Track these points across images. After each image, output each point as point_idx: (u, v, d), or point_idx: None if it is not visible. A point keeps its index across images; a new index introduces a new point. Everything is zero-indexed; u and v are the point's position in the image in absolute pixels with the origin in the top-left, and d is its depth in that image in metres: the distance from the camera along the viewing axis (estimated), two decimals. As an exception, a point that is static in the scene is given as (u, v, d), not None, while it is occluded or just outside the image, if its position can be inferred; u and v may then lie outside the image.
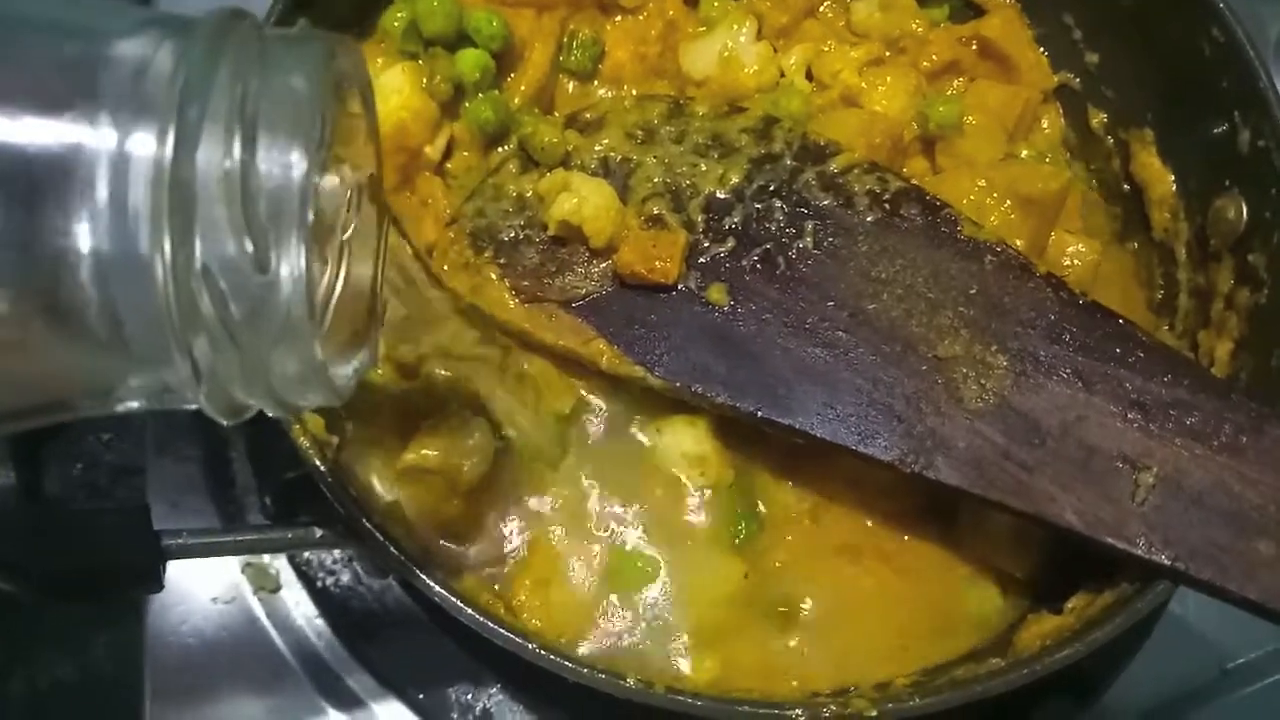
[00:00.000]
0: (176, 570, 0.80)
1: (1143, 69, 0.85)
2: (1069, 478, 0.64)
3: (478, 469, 0.67)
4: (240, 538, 0.64)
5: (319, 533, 0.63)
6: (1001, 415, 0.66)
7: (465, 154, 0.81)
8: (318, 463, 0.62)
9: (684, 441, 0.72)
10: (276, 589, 0.84)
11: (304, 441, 0.62)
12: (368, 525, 0.61)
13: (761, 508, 0.73)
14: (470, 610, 0.60)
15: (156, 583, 0.60)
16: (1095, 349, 0.67)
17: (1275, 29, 1.09)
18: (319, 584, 0.83)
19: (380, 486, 0.67)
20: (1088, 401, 0.65)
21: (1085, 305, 0.69)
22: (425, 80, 0.79)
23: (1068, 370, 0.67)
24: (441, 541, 0.68)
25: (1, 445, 0.57)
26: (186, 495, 0.85)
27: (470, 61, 0.79)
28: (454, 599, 0.60)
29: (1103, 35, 0.88)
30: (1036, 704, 0.79)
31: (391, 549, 0.61)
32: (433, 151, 0.79)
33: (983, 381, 0.67)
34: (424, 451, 0.66)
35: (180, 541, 0.61)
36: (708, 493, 0.73)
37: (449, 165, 0.81)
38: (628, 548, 0.71)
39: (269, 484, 0.85)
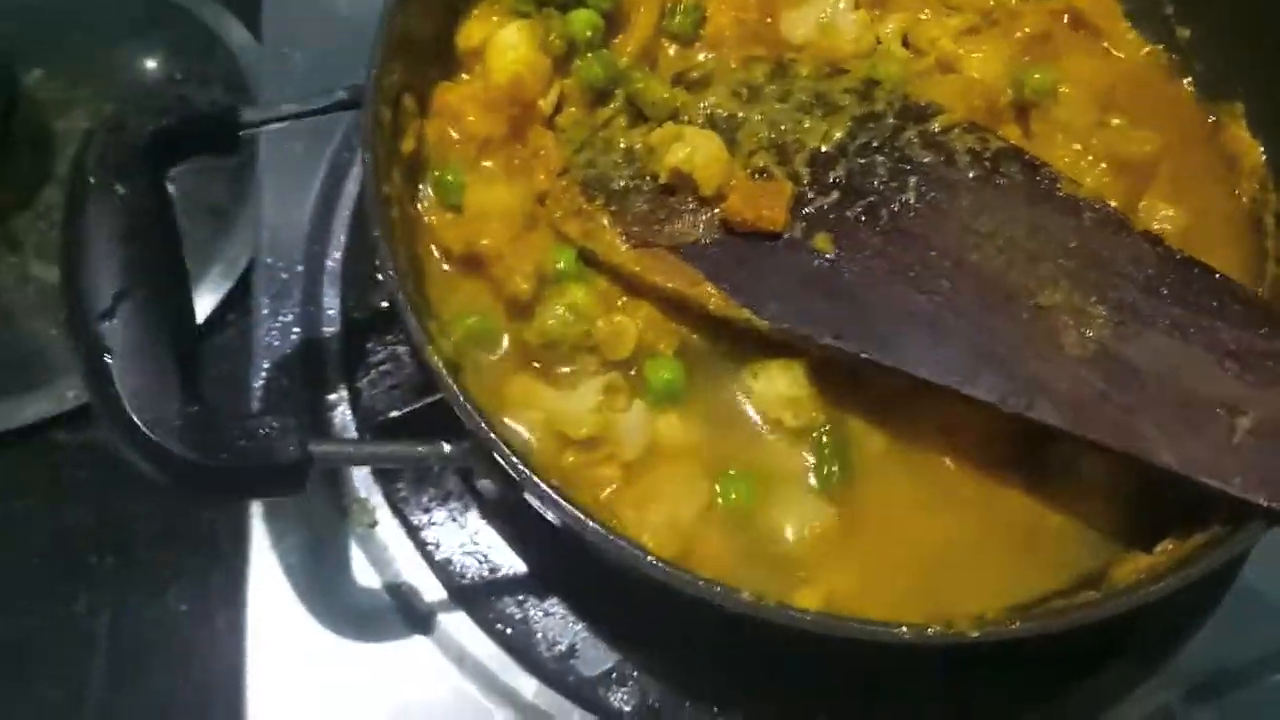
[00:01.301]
0: (272, 508, 0.86)
1: (1234, 43, 0.87)
2: (1167, 420, 0.66)
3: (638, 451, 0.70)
4: (379, 449, 0.67)
5: (448, 448, 0.66)
6: (1101, 361, 0.68)
7: (573, 109, 0.85)
8: (452, 383, 0.65)
9: (780, 384, 0.75)
10: (373, 524, 0.87)
11: (437, 360, 0.65)
12: (497, 440, 0.64)
13: (854, 453, 0.75)
14: (595, 525, 0.62)
15: (301, 485, 0.64)
16: (1193, 301, 0.69)
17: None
18: (414, 520, 0.87)
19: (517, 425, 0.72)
20: (1186, 351, 0.68)
21: (1182, 260, 0.71)
22: (540, 37, 0.82)
23: (1166, 321, 0.69)
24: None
25: (165, 349, 0.61)
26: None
27: (582, 20, 0.83)
28: (579, 514, 0.63)
29: (1194, 10, 0.90)
30: (1103, 666, 0.81)
31: (520, 464, 0.64)
32: (546, 105, 0.83)
33: (1083, 330, 0.69)
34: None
35: (325, 449, 0.65)
36: (801, 434, 0.75)
37: (558, 119, 0.85)
38: (726, 483, 0.74)
39: (367, 427, 0.88)
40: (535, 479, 0.64)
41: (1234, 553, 0.64)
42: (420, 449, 0.67)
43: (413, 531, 0.87)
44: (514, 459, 0.64)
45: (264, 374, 0.92)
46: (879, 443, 0.76)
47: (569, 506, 0.63)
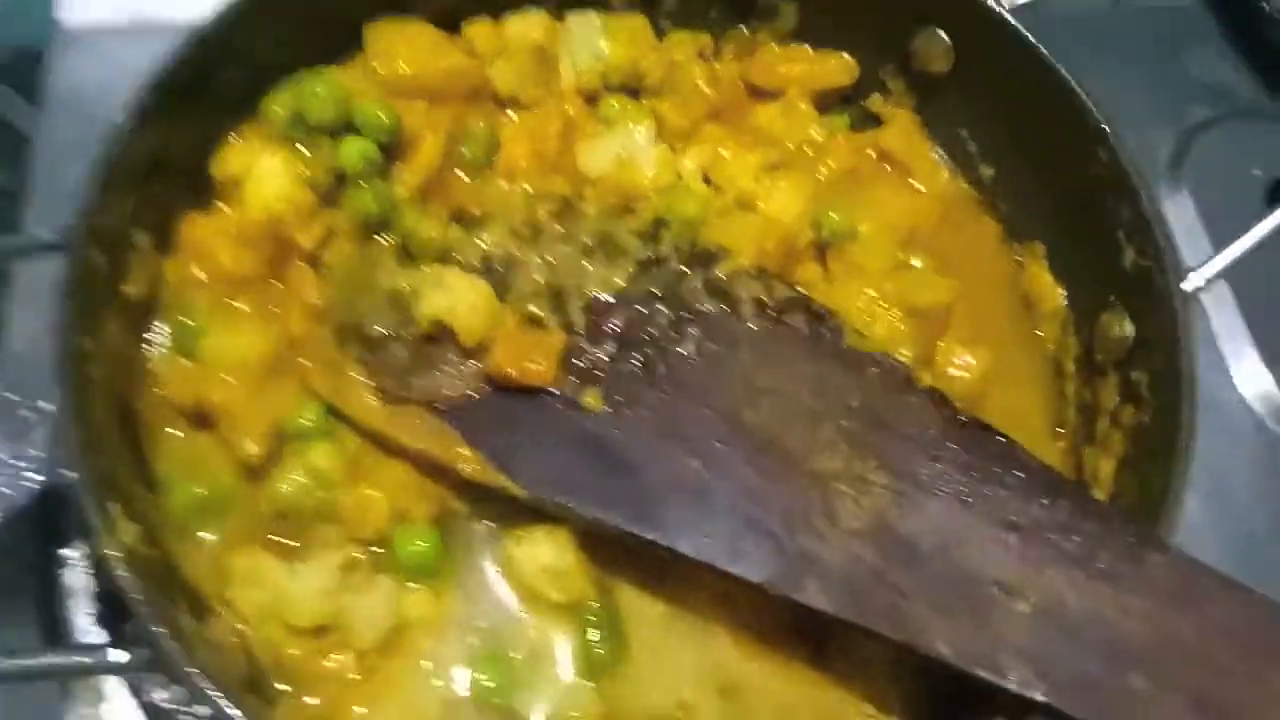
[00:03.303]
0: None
1: (1034, 185, 0.86)
2: (943, 604, 0.61)
3: (377, 637, 0.63)
4: (30, 662, 0.56)
5: (123, 657, 0.56)
6: (878, 535, 0.63)
7: (344, 244, 0.78)
8: (124, 575, 0.56)
9: (543, 553, 0.68)
10: (100, 703, 0.75)
11: (112, 553, 0.56)
12: (175, 651, 0.55)
13: (624, 628, 0.68)
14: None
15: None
16: (975, 467, 0.65)
17: (1165, 150, 1.13)
18: (146, 697, 0.75)
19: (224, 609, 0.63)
20: (966, 523, 0.63)
21: (967, 421, 0.68)
22: (304, 168, 0.76)
23: (947, 489, 0.65)
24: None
25: None
26: (14, 602, 0.78)
27: (354, 151, 0.77)
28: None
29: (998, 151, 0.89)
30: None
31: (204, 683, 0.55)
32: (306, 240, 0.76)
33: (860, 500, 0.64)
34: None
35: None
36: (566, 610, 0.68)
37: (325, 256, 0.78)
38: (478, 668, 0.66)
39: (104, 591, 0.77)
40: (222, 703, 0.55)
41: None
42: (86, 659, 0.56)
43: (148, 710, 0.75)
44: (203, 683, 0.55)
45: None
46: (653, 615, 0.69)
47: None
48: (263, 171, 0.75)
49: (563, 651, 0.67)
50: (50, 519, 0.81)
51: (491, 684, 0.65)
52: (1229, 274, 0.94)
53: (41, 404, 0.85)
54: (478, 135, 0.84)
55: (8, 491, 0.82)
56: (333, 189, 0.77)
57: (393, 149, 0.80)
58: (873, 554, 0.62)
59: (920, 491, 0.65)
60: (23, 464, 0.83)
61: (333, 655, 0.64)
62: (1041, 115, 0.83)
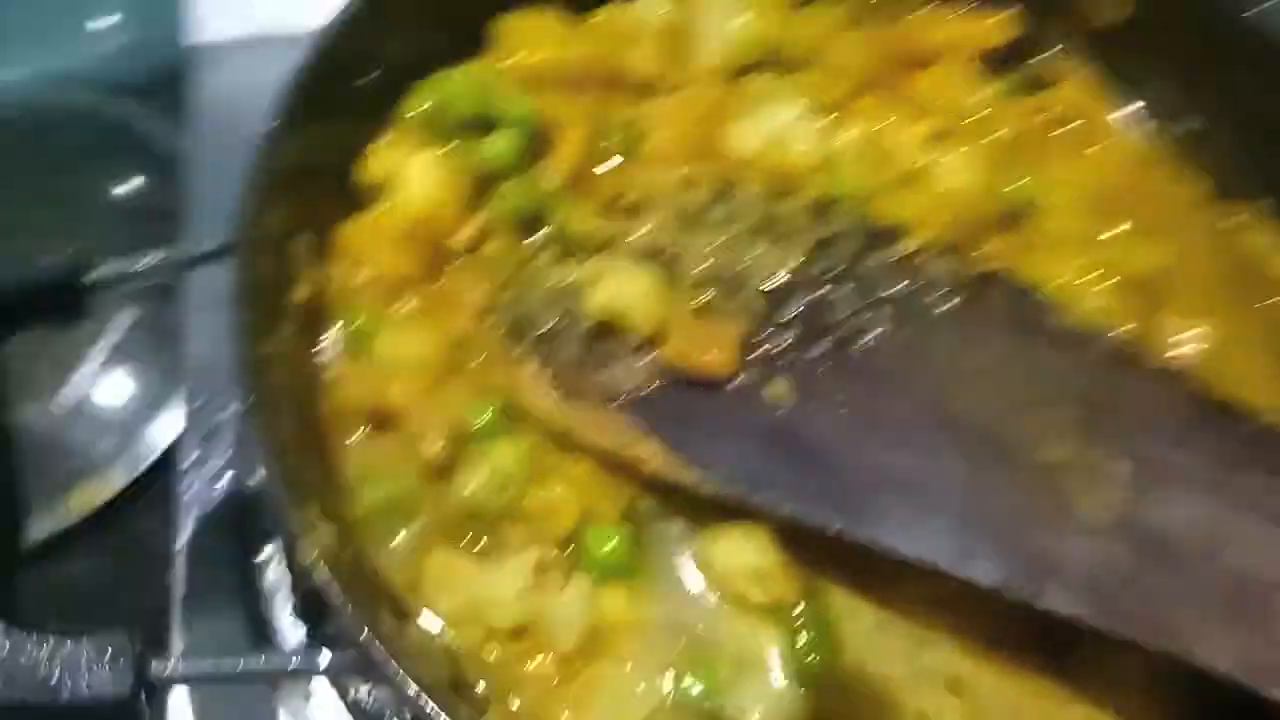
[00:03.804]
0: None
1: (1245, 138, 0.77)
2: (1218, 610, 0.52)
3: (576, 638, 0.60)
4: (239, 667, 0.56)
5: (327, 658, 0.55)
6: (1125, 532, 0.55)
7: (500, 241, 0.75)
8: (327, 577, 0.54)
9: (743, 553, 0.63)
10: (308, 698, 0.75)
11: (314, 554, 0.55)
12: (382, 653, 0.53)
13: (836, 633, 0.63)
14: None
15: (135, 716, 0.52)
16: (1230, 454, 0.57)
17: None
18: (350, 695, 0.74)
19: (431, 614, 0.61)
20: (1229, 518, 0.55)
21: (1213, 403, 0.59)
22: (451, 167, 0.74)
23: (1200, 480, 0.56)
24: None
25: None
26: (217, 602, 0.80)
27: (498, 147, 0.75)
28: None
29: (1198, 101, 0.80)
30: None
31: (409, 682, 0.53)
32: (460, 240, 0.73)
33: (1099, 493, 0.56)
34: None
35: (168, 672, 0.53)
36: (772, 613, 0.63)
37: (484, 252, 0.75)
38: (682, 673, 0.62)
39: (300, 590, 0.78)
40: (432, 705, 0.53)
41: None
42: (293, 661, 0.55)
43: (352, 707, 0.75)
44: (412, 685, 0.52)
45: (189, 529, 0.83)
46: (866, 620, 0.63)
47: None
48: (410, 173, 0.74)
49: (771, 655, 0.62)
50: (244, 520, 0.83)
51: (698, 688, 0.61)
52: None
53: (227, 409, 0.87)
54: (620, 124, 0.80)
55: (202, 494, 0.84)
56: (481, 186, 0.75)
57: (538, 143, 0.77)
58: (1123, 553, 0.55)
59: (1167, 483, 0.57)
60: (214, 466, 0.85)
61: (534, 658, 0.61)
62: (1250, 51, 0.73)
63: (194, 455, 0.86)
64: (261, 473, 0.80)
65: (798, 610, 0.62)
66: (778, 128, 0.79)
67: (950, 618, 0.62)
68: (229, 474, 0.85)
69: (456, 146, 0.74)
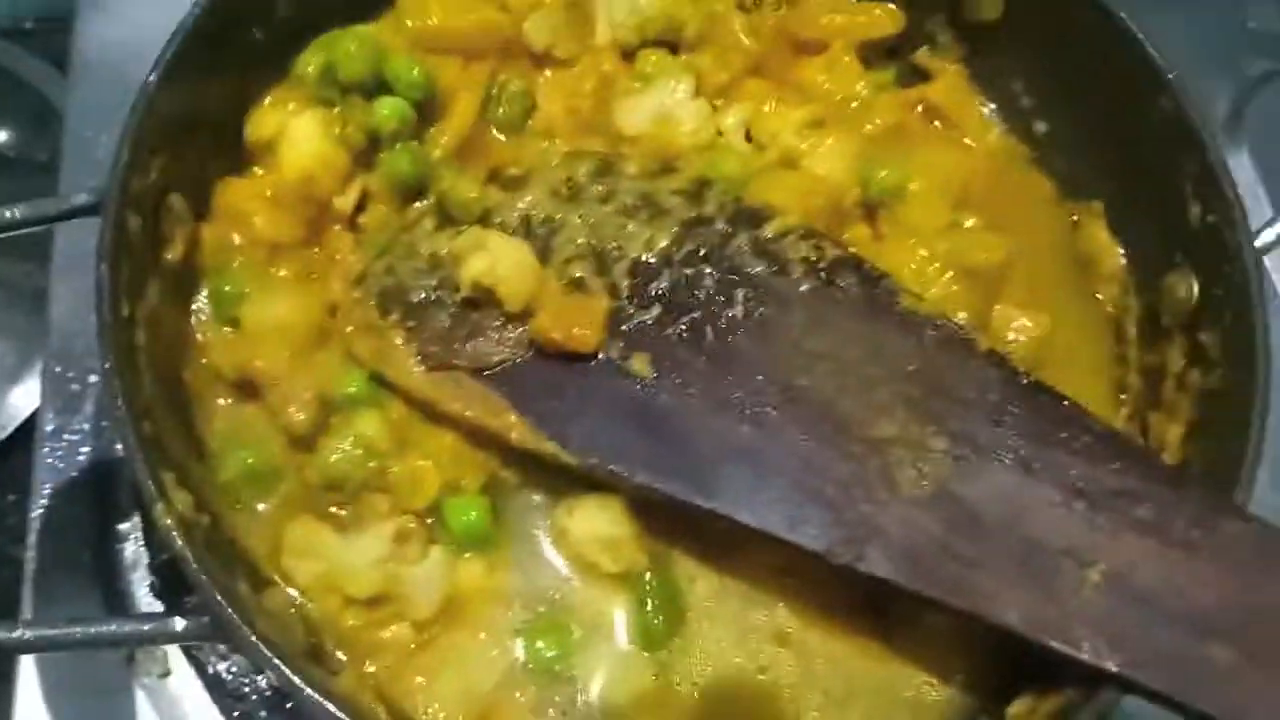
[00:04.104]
0: (46, 657, 0.75)
1: (1091, 140, 0.83)
2: (1011, 573, 0.59)
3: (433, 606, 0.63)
4: (92, 630, 0.56)
5: (182, 624, 0.56)
6: (940, 503, 0.61)
7: (381, 207, 0.76)
8: (181, 544, 0.55)
9: (597, 523, 0.66)
10: (165, 674, 0.76)
11: (168, 521, 0.56)
12: (235, 619, 0.54)
13: (682, 599, 0.67)
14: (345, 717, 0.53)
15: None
16: (1039, 433, 0.63)
17: (1223, 106, 1.09)
18: (210, 669, 0.76)
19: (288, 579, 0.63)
20: (1032, 489, 0.61)
21: (1028, 385, 0.65)
22: (338, 128, 0.74)
23: (1010, 456, 0.62)
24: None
25: None
26: (72, 576, 0.79)
27: (388, 110, 0.75)
28: (330, 705, 0.54)
29: (1053, 104, 0.86)
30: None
31: (265, 649, 0.54)
32: (343, 204, 0.74)
33: (920, 466, 0.62)
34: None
35: (19, 635, 0.54)
36: (622, 580, 0.67)
37: (362, 219, 0.76)
38: (533, 638, 0.65)
39: (156, 563, 0.78)
40: (289, 674, 0.54)
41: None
42: (146, 628, 0.56)
43: (210, 682, 0.76)
44: (264, 650, 0.54)
45: (45, 500, 0.81)
46: (709, 585, 0.68)
47: (328, 705, 0.53)
48: (296, 132, 0.73)
49: (619, 621, 0.66)
50: (104, 492, 0.81)
51: (549, 653, 0.64)
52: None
53: (89, 376, 0.85)
54: (513, 93, 0.81)
55: (60, 465, 0.82)
56: (368, 150, 0.76)
57: (427, 108, 0.78)
58: (936, 522, 0.60)
59: (982, 457, 0.62)
60: (73, 436, 0.83)
61: (390, 626, 0.64)
62: (1099, 65, 0.79)
63: (51, 425, 0.83)
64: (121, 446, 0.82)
65: (646, 578, 0.66)
66: (665, 107, 0.81)
67: (787, 582, 0.67)
68: (89, 446, 0.83)
69: (346, 107, 0.74)
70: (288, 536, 0.65)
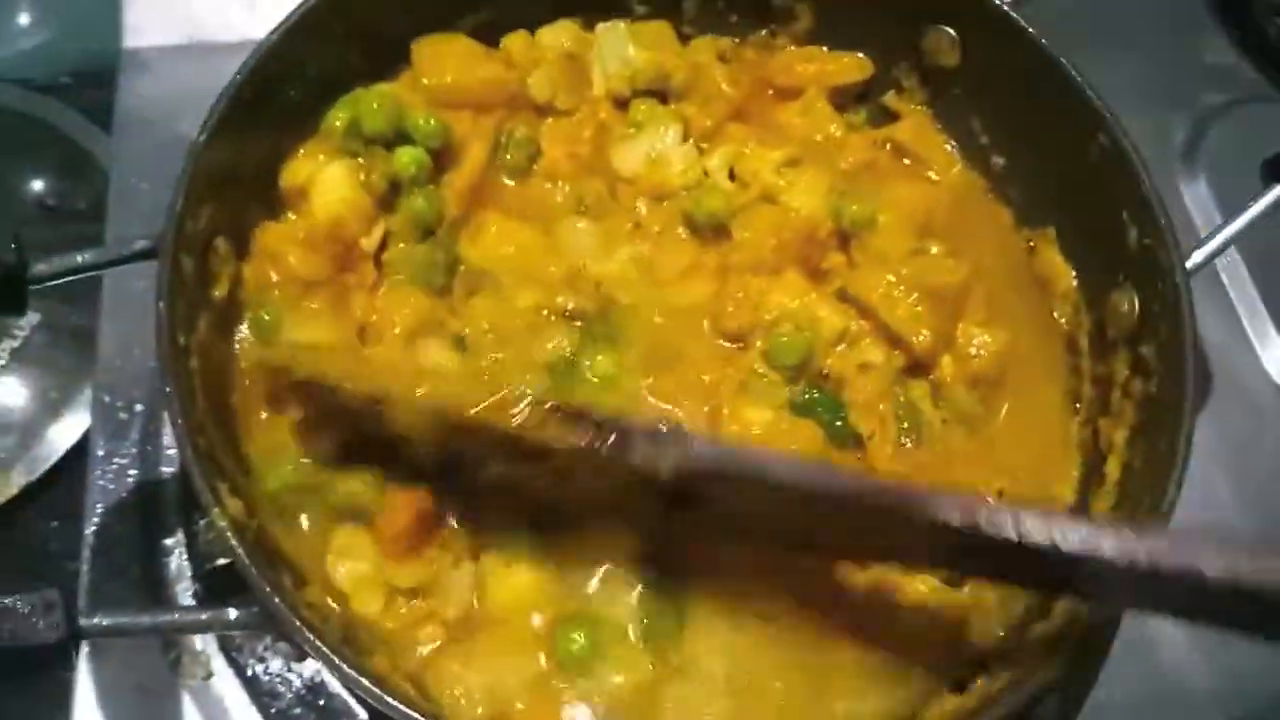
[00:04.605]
0: (100, 662, 0.82)
1: (1042, 172, 0.91)
2: None
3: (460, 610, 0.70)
4: (156, 619, 0.64)
5: (234, 614, 0.64)
6: None
7: (402, 246, 0.85)
8: (236, 542, 0.63)
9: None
10: (208, 676, 0.83)
11: (224, 524, 0.64)
12: (282, 607, 0.62)
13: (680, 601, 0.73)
14: (389, 698, 0.60)
15: (67, 663, 0.60)
16: None
17: (1180, 137, 1.16)
18: (249, 671, 0.83)
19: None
20: None
21: None
22: (363, 175, 0.83)
23: None
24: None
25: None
26: (123, 587, 0.85)
27: (407, 158, 0.84)
28: (365, 681, 0.61)
29: (1007, 141, 0.94)
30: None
31: (307, 633, 0.62)
32: (368, 243, 0.83)
33: None
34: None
35: (95, 622, 0.61)
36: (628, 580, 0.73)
37: (385, 256, 0.84)
38: (567, 636, 0.71)
39: (200, 574, 0.85)
40: (329, 653, 0.61)
41: (1032, 693, 0.63)
42: (203, 616, 0.64)
43: (248, 683, 0.83)
44: (307, 633, 0.61)
45: (96, 519, 0.88)
46: (707, 588, 0.74)
47: (357, 676, 0.60)
48: (326, 181, 0.82)
49: (630, 620, 0.72)
50: (150, 511, 0.88)
51: (578, 645, 0.70)
52: (1248, 252, 0.98)
53: (138, 406, 0.92)
54: (519, 140, 0.90)
55: (110, 486, 0.89)
56: (389, 195, 0.85)
57: (443, 156, 0.87)
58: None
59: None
60: (122, 460, 0.90)
61: (426, 627, 0.71)
62: (1045, 104, 0.87)
63: (101, 450, 0.90)
64: (165, 469, 0.87)
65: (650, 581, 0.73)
66: (657, 150, 0.91)
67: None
68: (135, 469, 0.89)
69: (369, 157, 0.83)
70: (334, 541, 0.72)
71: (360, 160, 0.84)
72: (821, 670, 0.71)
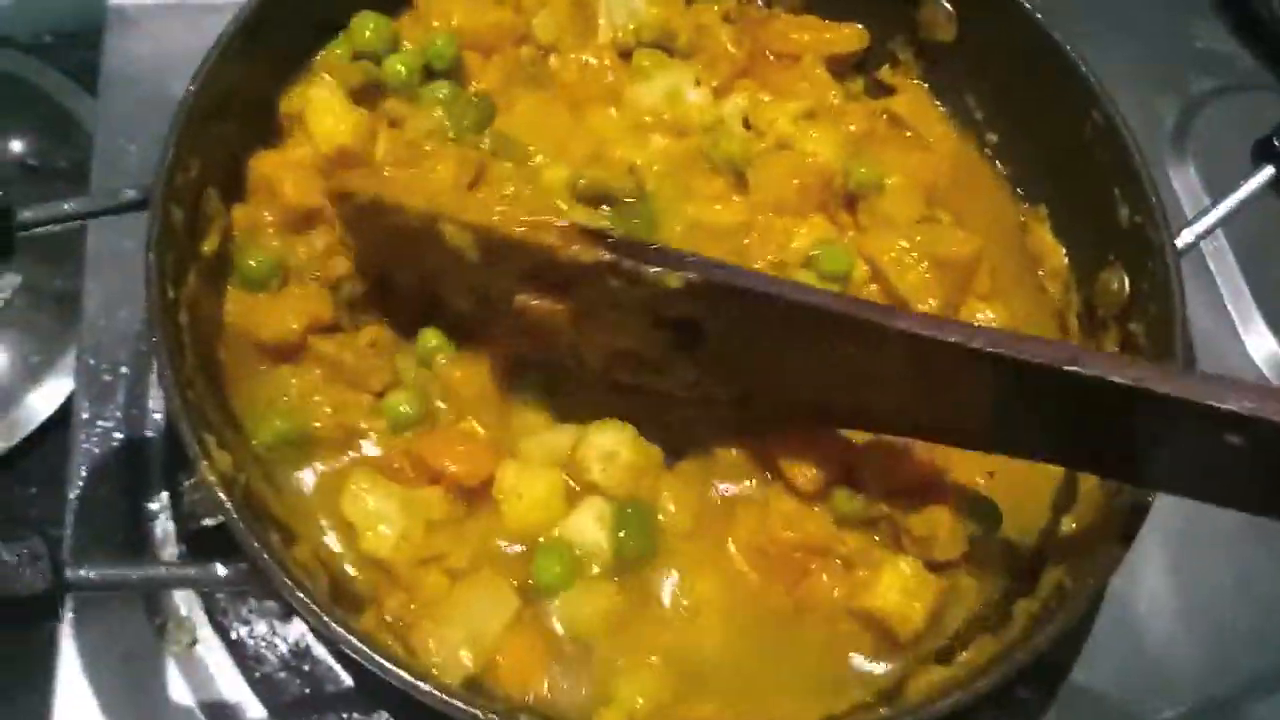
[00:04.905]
0: (85, 629, 0.81)
1: (1035, 149, 0.91)
2: None
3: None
4: (144, 571, 0.63)
5: (222, 570, 0.63)
6: None
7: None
8: (223, 496, 0.62)
9: (606, 438, 0.74)
10: (193, 643, 0.82)
11: (212, 477, 0.63)
12: (271, 563, 0.61)
13: (657, 535, 0.73)
14: (373, 654, 0.60)
15: (53, 614, 0.60)
16: None
17: (1170, 121, 1.16)
18: (234, 634, 0.82)
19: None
20: None
21: None
22: (346, 84, 0.82)
23: None
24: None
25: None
26: (108, 550, 0.85)
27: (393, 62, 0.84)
28: (352, 639, 0.61)
29: (1001, 117, 0.94)
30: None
31: (296, 590, 0.61)
32: (382, 154, 0.81)
33: None
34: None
35: (81, 574, 0.61)
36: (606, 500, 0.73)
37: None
38: (544, 563, 0.72)
39: (185, 536, 0.84)
40: (318, 610, 0.61)
41: (1023, 663, 0.64)
42: (191, 572, 0.63)
43: (233, 647, 0.82)
44: (295, 590, 0.61)
45: (80, 483, 0.87)
46: (683, 525, 0.74)
47: (346, 635, 0.60)
48: (316, 103, 0.80)
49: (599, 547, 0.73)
50: (135, 474, 0.87)
51: (551, 574, 0.71)
52: (1234, 238, 0.98)
53: (123, 368, 0.90)
54: (536, 56, 0.90)
55: (95, 450, 0.87)
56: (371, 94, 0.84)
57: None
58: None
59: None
60: (106, 423, 0.88)
61: (433, 572, 0.71)
62: (1039, 80, 0.87)
63: (85, 413, 0.88)
64: (150, 432, 0.86)
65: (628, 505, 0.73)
66: (673, 86, 0.89)
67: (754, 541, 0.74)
68: (120, 432, 0.88)
69: (368, 78, 0.82)
70: (350, 484, 0.72)
71: (360, 83, 0.83)
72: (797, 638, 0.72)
